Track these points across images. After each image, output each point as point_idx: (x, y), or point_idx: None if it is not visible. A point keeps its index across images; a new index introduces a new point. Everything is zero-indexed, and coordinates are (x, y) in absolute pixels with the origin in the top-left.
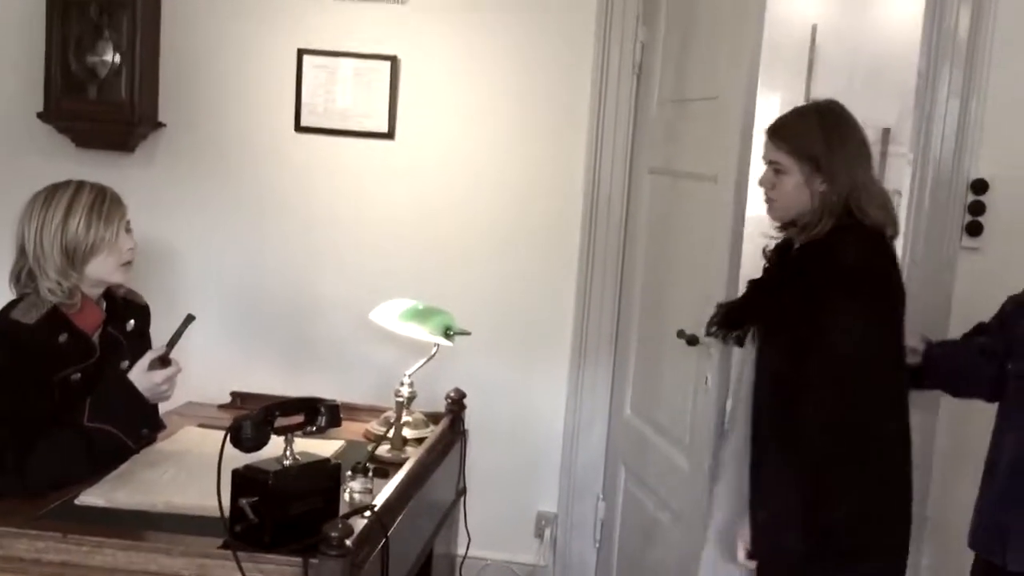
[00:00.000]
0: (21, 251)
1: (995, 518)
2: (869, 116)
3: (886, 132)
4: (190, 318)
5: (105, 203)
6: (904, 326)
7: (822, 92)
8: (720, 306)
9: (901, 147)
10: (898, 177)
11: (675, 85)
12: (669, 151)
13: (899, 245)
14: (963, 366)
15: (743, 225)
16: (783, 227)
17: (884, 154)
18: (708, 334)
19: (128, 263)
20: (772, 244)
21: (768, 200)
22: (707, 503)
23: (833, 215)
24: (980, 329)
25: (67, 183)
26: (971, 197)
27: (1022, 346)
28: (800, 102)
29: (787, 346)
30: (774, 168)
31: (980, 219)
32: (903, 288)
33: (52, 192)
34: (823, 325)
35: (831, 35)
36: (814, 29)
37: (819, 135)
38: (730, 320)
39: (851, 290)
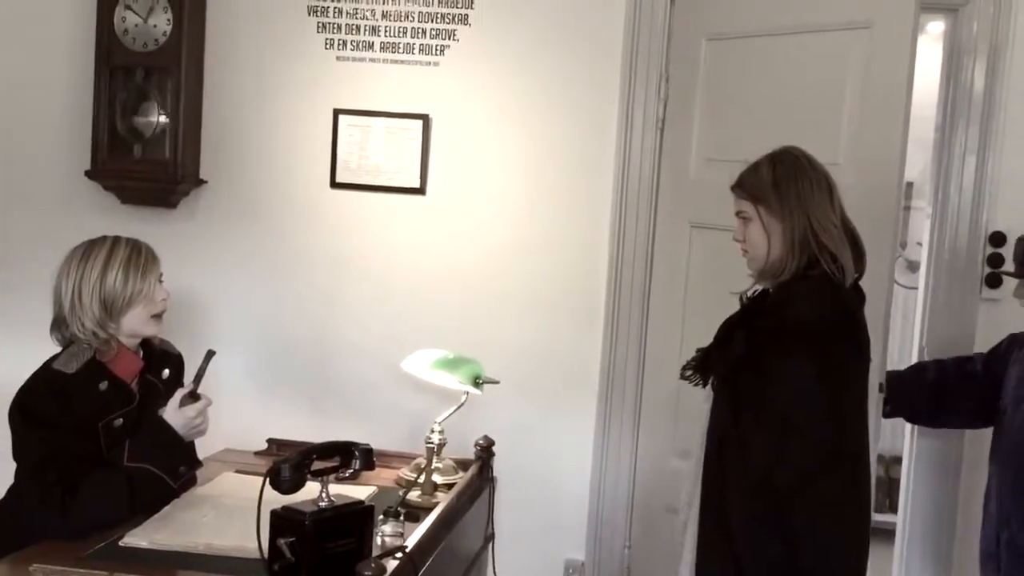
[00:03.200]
0: (58, 303)
1: (991, 547)
2: None
3: (909, 186)
4: (211, 353)
5: (141, 257)
6: (863, 383)
7: None
8: (698, 350)
9: (923, 200)
10: (919, 230)
11: (724, 145)
12: (718, 207)
13: (919, 297)
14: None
15: None
16: (759, 278)
17: (908, 208)
18: (682, 377)
19: (160, 314)
20: (753, 291)
21: (743, 252)
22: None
23: (795, 258)
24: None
25: (103, 239)
26: (990, 249)
27: (1008, 381)
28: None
29: (727, 395)
30: (741, 218)
31: (1000, 273)
32: (861, 341)
33: (89, 247)
34: (761, 379)
35: None
36: None
37: (769, 178)
38: (703, 364)
39: (793, 345)
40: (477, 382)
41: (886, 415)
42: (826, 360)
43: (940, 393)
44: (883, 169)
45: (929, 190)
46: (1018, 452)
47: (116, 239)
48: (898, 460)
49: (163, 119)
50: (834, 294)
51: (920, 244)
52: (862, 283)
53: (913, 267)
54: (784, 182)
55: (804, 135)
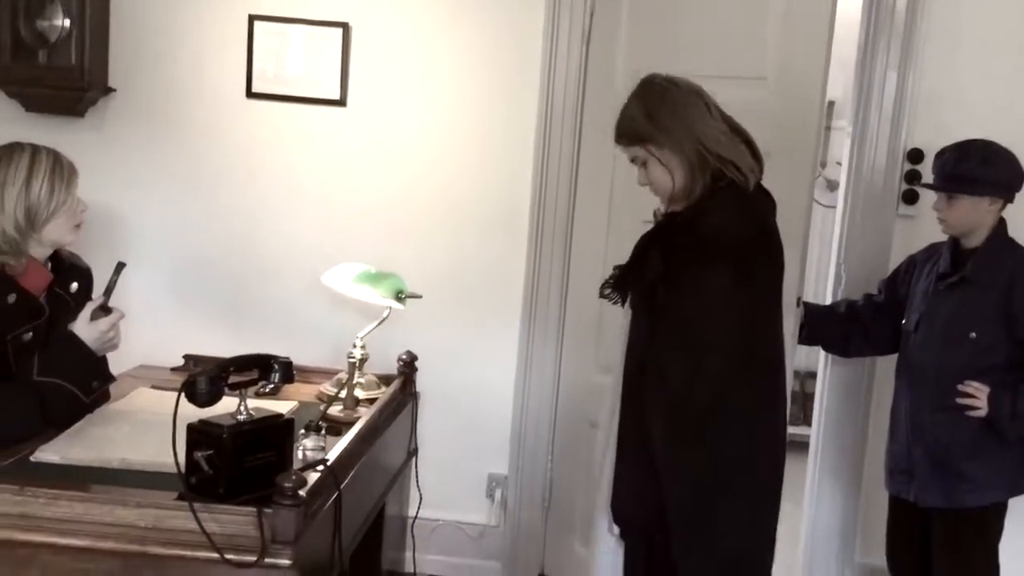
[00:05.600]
0: None
1: (902, 461)
2: None
3: (831, 105)
4: (121, 265)
5: (64, 168)
6: (777, 291)
7: None
8: (615, 268)
9: (844, 120)
10: (841, 149)
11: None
12: None
13: (837, 215)
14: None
15: None
16: (672, 204)
17: (829, 128)
18: (601, 295)
19: (79, 224)
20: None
21: (655, 194)
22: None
23: (700, 178)
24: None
25: (20, 146)
26: (907, 166)
27: (912, 301)
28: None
29: (645, 312)
30: (637, 164)
31: (916, 187)
32: (772, 252)
33: (8, 154)
34: (677, 295)
35: None
36: None
37: (641, 112)
38: (621, 283)
39: (707, 258)
40: (399, 296)
41: (801, 342)
42: (740, 271)
43: (851, 324)
44: (806, 85)
45: (850, 108)
46: (937, 371)
47: (35, 148)
48: (813, 375)
49: (68, 23)
50: (744, 204)
51: (840, 164)
52: (779, 197)
53: (832, 186)
54: (658, 113)
55: (730, 49)
